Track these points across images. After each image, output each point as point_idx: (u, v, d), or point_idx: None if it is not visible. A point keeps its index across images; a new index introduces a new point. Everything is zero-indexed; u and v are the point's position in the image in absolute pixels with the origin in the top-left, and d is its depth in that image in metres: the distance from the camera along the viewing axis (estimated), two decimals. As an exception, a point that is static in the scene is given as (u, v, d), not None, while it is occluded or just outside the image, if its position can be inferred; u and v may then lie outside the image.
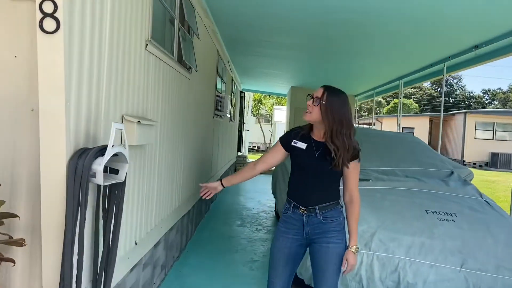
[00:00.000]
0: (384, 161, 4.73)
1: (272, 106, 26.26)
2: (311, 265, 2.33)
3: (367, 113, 37.14)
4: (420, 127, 26.88)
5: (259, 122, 24.61)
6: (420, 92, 46.94)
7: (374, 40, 6.21)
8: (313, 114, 2.19)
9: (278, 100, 25.46)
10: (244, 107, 14.69)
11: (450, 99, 46.65)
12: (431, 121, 27.45)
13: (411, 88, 46.23)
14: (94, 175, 1.82)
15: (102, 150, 1.87)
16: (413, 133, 26.81)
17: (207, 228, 5.85)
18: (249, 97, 18.45)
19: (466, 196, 3.87)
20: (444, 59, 6.65)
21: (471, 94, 49.58)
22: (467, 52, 6.02)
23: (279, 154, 2.38)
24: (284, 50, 7.79)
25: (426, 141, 24.59)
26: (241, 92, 13.96)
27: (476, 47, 5.69)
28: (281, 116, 21.51)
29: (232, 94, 10.90)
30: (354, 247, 2.22)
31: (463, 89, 49.50)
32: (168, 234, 3.98)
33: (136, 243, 2.88)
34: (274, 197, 6.40)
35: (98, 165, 1.81)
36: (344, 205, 2.34)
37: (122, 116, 2.46)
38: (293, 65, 9.77)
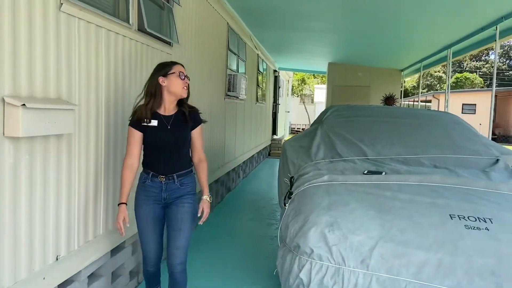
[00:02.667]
0: (408, 147, 3.82)
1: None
2: (167, 226, 2.54)
3: (426, 89, 34.57)
4: (483, 103, 24.51)
5: (303, 102, 23.59)
6: (486, 66, 42.99)
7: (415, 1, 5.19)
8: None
9: (323, 79, 24.21)
10: (279, 87, 13.77)
11: (522, 71, 42.33)
12: (496, 96, 24.94)
13: (476, 61, 42.38)
14: None
15: None
16: (475, 110, 24.57)
17: (210, 224, 5.24)
18: (289, 77, 17.51)
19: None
20: (496, 21, 5.47)
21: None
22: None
23: (139, 140, 2.46)
24: (314, 20, 6.86)
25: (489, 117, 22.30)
26: (274, 71, 13.10)
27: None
28: (321, 96, 20.30)
29: (260, 74, 10.12)
30: (208, 196, 2.60)
31: (536, 60, 44.69)
32: (141, 235, 3.39)
33: (57, 258, 2.30)
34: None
35: None
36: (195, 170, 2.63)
37: (3, 99, 1.85)
38: (328, 38, 8.78)
